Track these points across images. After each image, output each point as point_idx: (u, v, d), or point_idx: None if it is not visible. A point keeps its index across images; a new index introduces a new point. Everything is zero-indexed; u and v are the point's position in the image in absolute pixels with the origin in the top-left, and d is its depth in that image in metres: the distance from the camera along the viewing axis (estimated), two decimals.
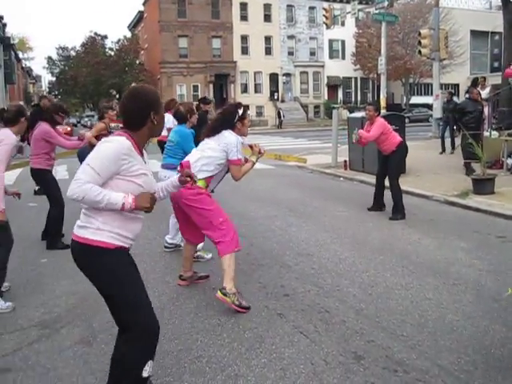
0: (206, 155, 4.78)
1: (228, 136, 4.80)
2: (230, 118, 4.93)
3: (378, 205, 8.77)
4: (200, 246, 5.72)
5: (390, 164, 8.41)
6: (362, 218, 8.27)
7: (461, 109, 12.43)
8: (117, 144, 2.72)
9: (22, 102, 56.43)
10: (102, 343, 4.01)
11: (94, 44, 52.66)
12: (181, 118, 6.38)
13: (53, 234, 6.92)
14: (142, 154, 2.90)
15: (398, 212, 8.19)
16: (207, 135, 4.95)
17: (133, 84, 46.13)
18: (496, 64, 53.00)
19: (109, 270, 2.78)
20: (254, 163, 5.10)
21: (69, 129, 46.07)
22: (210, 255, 6.07)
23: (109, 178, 2.73)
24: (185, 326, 4.29)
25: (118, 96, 54.34)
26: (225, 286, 4.53)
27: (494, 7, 56.21)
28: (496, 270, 5.58)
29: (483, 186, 9.69)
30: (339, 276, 5.45)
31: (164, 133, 11.30)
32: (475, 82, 15.40)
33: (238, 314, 4.47)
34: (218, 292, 4.53)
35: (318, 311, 4.51)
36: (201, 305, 4.73)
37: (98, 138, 8.74)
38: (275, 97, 52.27)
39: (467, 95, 12.75)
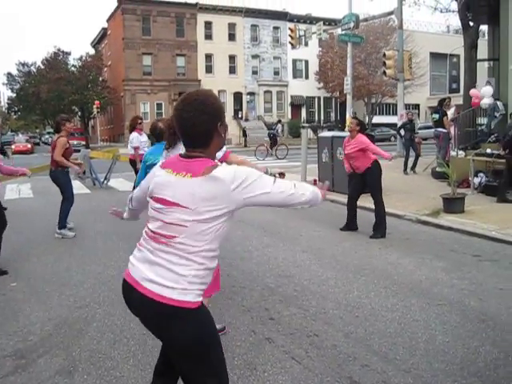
0: None
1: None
2: None
3: (351, 225, 8.74)
4: None
5: (372, 181, 8.41)
6: (338, 238, 8.23)
7: None
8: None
9: None
10: (84, 374, 3.81)
11: (56, 60, 51.88)
12: (160, 135, 5.85)
13: None
14: None
15: (380, 230, 8.20)
16: (170, 146, 4.40)
17: (96, 101, 45.69)
18: (454, 85, 54.49)
19: (199, 330, 2.32)
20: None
21: (29, 145, 45.31)
22: None
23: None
24: None
25: (79, 113, 53.71)
26: None
27: (452, 31, 57.83)
28: (477, 289, 5.59)
29: (454, 204, 9.80)
30: (323, 298, 5.36)
31: (131, 151, 11.19)
32: (442, 103, 15.68)
33: (224, 339, 4.33)
34: None
35: (307, 335, 4.40)
36: None
37: (64, 155, 8.49)
38: (239, 115, 52.41)
39: None
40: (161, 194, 2.35)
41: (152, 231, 2.38)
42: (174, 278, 2.27)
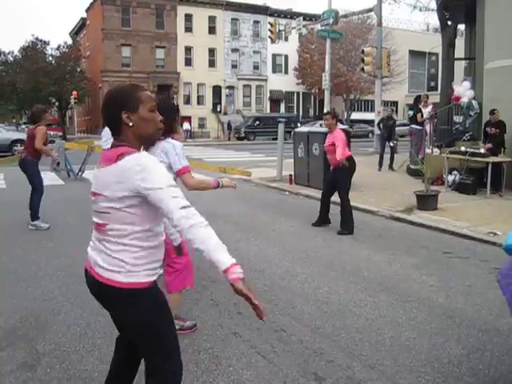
0: None
1: (163, 143, 4.06)
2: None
3: (323, 220, 8.75)
4: None
5: (340, 178, 8.41)
6: (311, 233, 8.24)
7: None
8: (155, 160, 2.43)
9: None
10: (47, 367, 3.76)
11: (34, 49, 51.05)
12: None
13: None
14: None
15: (347, 227, 8.21)
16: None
17: (74, 91, 45.21)
18: (432, 83, 55.03)
19: (149, 310, 2.46)
20: (220, 185, 4.39)
21: None
22: (161, 271, 5.76)
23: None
24: None
25: (57, 104, 53.01)
26: None
27: (431, 29, 58.26)
28: (446, 286, 5.64)
29: (427, 202, 9.87)
30: (292, 293, 5.36)
31: (104, 145, 11.03)
32: (418, 100, 15.77)
33: (191, 334, 4.31)
34: None
35: (274, 330, 4.39)
36: None
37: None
38: (218, 109, 52.30)
39: None
40: (92, 187, 2.51)
41: (95, 222, 2.53)
42: (117, 264, 2.41)
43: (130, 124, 2.46)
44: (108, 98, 2.52)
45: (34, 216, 8.50)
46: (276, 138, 15.39)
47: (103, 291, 2.47)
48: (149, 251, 2.45)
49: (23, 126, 57.20)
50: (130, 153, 2.37)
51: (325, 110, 24.86)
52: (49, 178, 13.95)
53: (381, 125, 17.66)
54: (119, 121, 2.46)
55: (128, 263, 2.40)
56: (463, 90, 14.15)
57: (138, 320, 2.46)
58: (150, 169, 2.32)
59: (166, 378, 2.56)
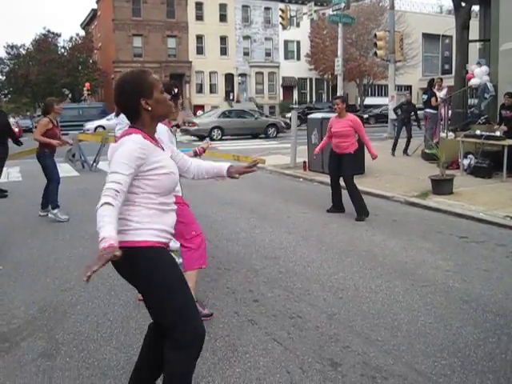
0: None
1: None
2: None
3: (337, 207, 8.71)
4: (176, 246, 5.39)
5: (348, 163, 8.36)
6: (325, 220, 8.23)
7: None
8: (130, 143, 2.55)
9: None
10: (67, 356, 3.80)
11: (46, 42, 51.27)
12: None
13: None
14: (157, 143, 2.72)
15: (362, 211, 8.17)
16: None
17: (86, 83, 45.37)
18: (447, 66, 54.40)
19: (157, 269, 2.59)
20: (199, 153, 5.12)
21: (16, 130, 44.70)
22: (180, 260, 5.77)
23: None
24: None
25: (70, 95, 53.22)
26: None
27: (445, 11, 57.60)
28: (462, 270, 5.62)
29: (442, 186, 9.81)
30: (308, 280, 5.37)
31: (117, 133, 11.07)
32: (431, 83, 15.62)
33: (207, 321, 4.33)
34: None
35: (290, 317, 4.41)
36: None
37: (46, 135, 8.39)
38: (230, 97, 52.20)
39: None
40: None
41: None
42: (123, 223, 2.58)
43: (149, 109, 2.63)
44: (123, 87, 2.65)
45: (54, 205, 8.54)
46: None
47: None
48: (155, 212, 2.64)
49: (37, 119, 57.69)
50: (128, 135, 2.60)
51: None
52: (64, 169, 14.04)
53: (399, 110, 17.29)
54: (138, 107, 2.62)
55: (133, 220, 2.60)
56: (481, 73, 13.98)
57: (150, 276, 2.58)
58: (114, 153, 2.58)
59: (185, 341, 2.63)
